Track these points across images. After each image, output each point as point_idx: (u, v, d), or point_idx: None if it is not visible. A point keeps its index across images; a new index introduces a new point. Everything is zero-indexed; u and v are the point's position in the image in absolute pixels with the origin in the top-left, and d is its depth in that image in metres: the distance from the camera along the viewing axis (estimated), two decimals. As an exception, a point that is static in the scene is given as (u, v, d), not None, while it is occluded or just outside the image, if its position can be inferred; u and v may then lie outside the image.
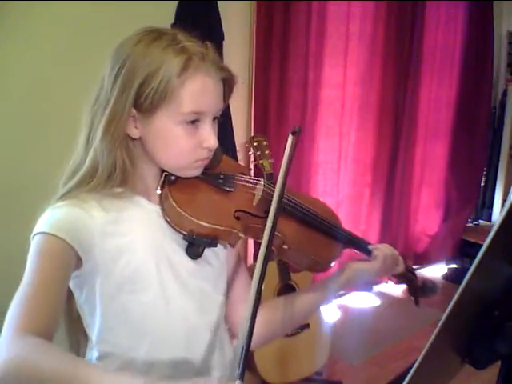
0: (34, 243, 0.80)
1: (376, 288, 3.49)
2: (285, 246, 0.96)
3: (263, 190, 0.97)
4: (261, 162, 2.10)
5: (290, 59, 2.73)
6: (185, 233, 0.86)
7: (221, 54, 2.42)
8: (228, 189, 0.94)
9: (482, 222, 4.16)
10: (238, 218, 0.91)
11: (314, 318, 2.32)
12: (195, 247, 0.88)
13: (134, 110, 0.84)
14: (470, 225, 4.11)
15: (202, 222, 0.86)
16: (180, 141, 0.86)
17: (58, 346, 0.69)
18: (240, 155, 2.65)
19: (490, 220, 4.13)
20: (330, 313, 3.09)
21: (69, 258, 0.79)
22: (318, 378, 2.44)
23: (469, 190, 4.00)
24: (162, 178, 0.91)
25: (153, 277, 0.87)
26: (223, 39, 2.46)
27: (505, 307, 0.71)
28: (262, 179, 1.00)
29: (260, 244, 0.82)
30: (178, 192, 0.89)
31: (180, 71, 0.82)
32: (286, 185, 0.86)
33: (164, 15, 2.28)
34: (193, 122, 0.85)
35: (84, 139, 0.87)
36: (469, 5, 3.71)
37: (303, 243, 1.01)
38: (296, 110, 2.82)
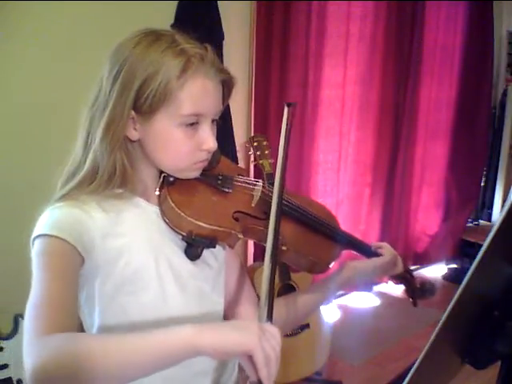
0: (38, 246, 0.79)
1: (376, 288, 3.49)
2: (283, 248, 0.96)
3: (262, 191, 0.97)
4: (261, 162, 2.10)
5: (290, 59, 2.73)
6: (184, 234, 0.86)
7: (221, 54, 2.42)
8: (227, 190, 0.94)
9: (481, 222, 4.16)
10: (236, 219, 0.91)
11: (314, 317, 2.32)
12: (194, 248, 0.88)
13: (133, 113, 0.83)
14: (470, 225, 4.11)
15: (200, 223, 0.85)
16: (179, 143, 0.86)
17: None
18: (240, 155, 2.66)
19: (490, 220, 4.13)
20: (330, 313, 3.09)
21: (74, 257, 0.79)
22: (318, 378, 2.44)
23: (469, 190, 4.00)
24: (161, 179, 0.90)
25: (152, 278, 0.87)
26: (223, 39, 2.46)
27: (505, 307, 0.71)
28: (261, 180, 1.00)
29: (259, 245, 0.82)
30: (177, 193, 0.88)
31: (179, 73, 0.81)
32: (288, 158, 0.88)
33: (164, 15, 2.28)
34: (192, 124, 0.85)
35: (82, 141, 0.87)
36: (469, 5, 3.71)
37: (302, 245, 1.01)
38: (296, 110, 2.82)
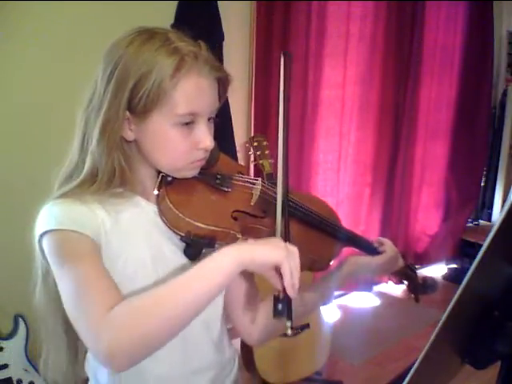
0: (49, 242, 0.79)
1: (376, 288, 3.49)
2: None
3: (261, 190, 0.96)
4: (261, 162, 2.09)
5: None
6: (182, 234, 0.85)
7: (221, 54, 2.42)
8: (225, 189, 0.93)
9: (481, 222, 4.16)
10: (235, 219, 0.90)
11: (314, 317, 2.31)
12: (193, 248, 0.87)
13: (127, 113, 0.83)
14: (470, 225, 4.11)
15: (199, 224, 0.85)
16: (175, 142, 0.85)
17: None
18: (240, 155, 2.66)
19: (490, 220, 4.13)
20: (330, 313, 3.09)
21: (90, 242, 0.80)
22: (318, 378, 2.44)
23: (469, 190, 4.00)
24: (159, 179, 0.90)
25: (150, 277, 0.86)
26: (223, 39, 2.46)
27: (505, 307, 0.71)
28: (260, 178, 0.99)
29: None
30: (175, 193, 0.88)
31: (172, 72, 0.80)
32: (289, 111, 0.88)
33: (164, 15, 2.28)
34: (187, 123, 0.84)
35: (79, 142, 0.86)
36: (469, 5, 3.71)
37: (302, 242, 1.00)
38: (296, 110, 2.82)
